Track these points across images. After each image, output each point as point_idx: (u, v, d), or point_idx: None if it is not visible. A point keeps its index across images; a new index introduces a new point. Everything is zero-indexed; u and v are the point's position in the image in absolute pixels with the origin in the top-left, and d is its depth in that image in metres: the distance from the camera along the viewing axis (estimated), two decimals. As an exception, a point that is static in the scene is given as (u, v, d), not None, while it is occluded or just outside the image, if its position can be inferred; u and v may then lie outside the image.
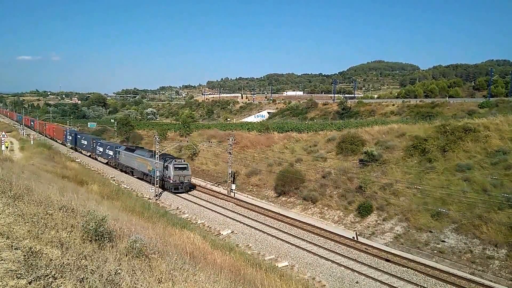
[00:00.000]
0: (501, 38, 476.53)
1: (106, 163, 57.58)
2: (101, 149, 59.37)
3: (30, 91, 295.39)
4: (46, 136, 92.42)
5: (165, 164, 41.18)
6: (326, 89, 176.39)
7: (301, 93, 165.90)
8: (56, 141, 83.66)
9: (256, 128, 61.61)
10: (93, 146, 62.66)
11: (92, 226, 8.29)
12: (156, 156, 39.41)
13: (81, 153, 68.52)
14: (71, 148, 74.30)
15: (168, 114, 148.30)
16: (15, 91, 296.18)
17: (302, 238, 27.90)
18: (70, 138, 75.75)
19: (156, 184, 39.34)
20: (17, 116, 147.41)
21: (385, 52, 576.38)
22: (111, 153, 55.16)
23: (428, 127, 38.91)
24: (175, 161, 41.52)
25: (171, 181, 40.57)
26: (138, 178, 47.75)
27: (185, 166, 41.67)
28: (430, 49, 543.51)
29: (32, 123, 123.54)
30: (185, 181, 41.21)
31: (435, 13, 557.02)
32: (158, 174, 39.45)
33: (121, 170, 52.31)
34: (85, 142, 67.21)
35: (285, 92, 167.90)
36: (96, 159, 61.60)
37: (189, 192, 41.67)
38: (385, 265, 23.50)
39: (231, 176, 42.51)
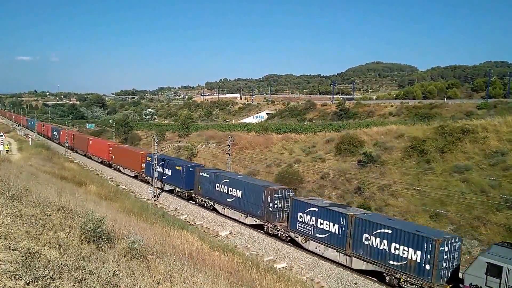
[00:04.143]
0: (500, 39, 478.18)
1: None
2: (332, 227, 23.20)
3: (28, 91, 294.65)
4: (91, 158, 61.58)
5: None
6: (324, 90, 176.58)
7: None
8: (120, 170, 51.25)
9: (254, 129, 61.61)
10: (272, 203, 27.49)
11: (90, 227, 8.28)
12: None
13: (217, 211, 33.14)
14: (161, 188, 41.04)
15: (167, 115, 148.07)
16: (13, 92, 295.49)
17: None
18: (169, 172, 40.10)
19: (155, 185, 39.16)
20: (28, 120, 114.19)
21: (383, 53, 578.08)
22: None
23: (426, 128, 39.01)
24: None
25: None
26: None
27: None
28: (429, 50, 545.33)
29: (55, 133, 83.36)
30: None
31: (433, 14, 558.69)
32: None
33: None
34: (235, 192, 30.56)
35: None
36: (292, 239, 26.56)
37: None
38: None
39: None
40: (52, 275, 5.70)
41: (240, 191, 30.05)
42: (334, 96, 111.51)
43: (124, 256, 8.00)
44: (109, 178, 47.09)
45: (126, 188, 42.71)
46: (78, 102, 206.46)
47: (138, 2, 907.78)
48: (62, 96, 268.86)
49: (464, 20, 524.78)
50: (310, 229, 24.31)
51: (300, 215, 24.96)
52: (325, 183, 37.51)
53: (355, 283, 20.81)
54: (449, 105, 62.78)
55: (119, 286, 6.24)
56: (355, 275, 21.66)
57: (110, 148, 54.98)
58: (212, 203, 33.79)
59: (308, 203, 24.87)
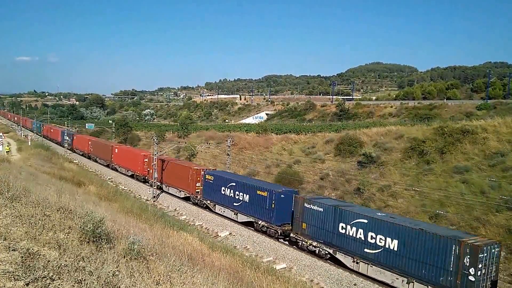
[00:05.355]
0: (499, 40, 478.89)
1: None
2: None
3: (28, 91, 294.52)
4: (116, 170, 51.09)
5: None
6: (324, 91, 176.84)
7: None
8: (162, 189, 40.70)
9: (254, 129, 61.60)
10: (474, 268, 16.38)
11: (89, 228, 8.27)
12: None
13: (339, 262, 22.70)
14: (234, 220, 30.79)
15: (166, 115, 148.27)
16: (13, 92, 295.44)
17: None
18: (246, 198, 29.10)
19: (154, 186, 39.13)
20: (33, 123, 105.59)
21: (383, 54, 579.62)
22: None
23: (426, 129, 39.03)
24: None
25: None
26: None
27: None
28: (428, 51, 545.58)
29: (66, 137, 70.62)
30: None
31: (433, 15, 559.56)
32: None
33: None
34: (383, 240, 20.02)
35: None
36: None
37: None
38: (383, 267, 23.32)
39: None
40: (52, 275, 5.69)
41: (395, 241, 19.40)
42: (334, 96, 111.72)
43: (124, 257, 7.99)
44: (109, 179, 47.07)
45: (126, 188, 42.68)
46: (77, 103, 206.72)
47: (138, 2, 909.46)
48: (61, 97, 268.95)
49: (464, 20, 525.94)
50: None
51: None
52: (325, 183, 37.51)
53: (354, 284, 20.80)
54: (448, 106, 62.85)
55: (119, 287, 6.23)
56: (354, 276, 21.65)
57: (146, 160, 42.86)
58: (330, 251, 23.05)
59: None
